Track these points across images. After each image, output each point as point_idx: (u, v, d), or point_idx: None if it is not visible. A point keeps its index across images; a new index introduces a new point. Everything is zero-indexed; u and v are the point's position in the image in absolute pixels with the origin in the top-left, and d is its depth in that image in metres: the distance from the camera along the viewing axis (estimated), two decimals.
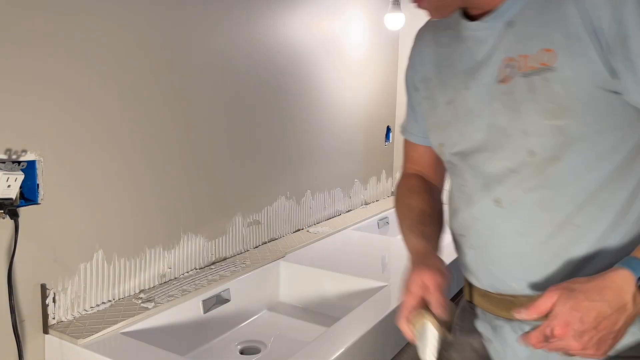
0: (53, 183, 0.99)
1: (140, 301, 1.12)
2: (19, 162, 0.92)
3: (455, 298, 1.52)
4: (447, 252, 0.88)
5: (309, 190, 1.77)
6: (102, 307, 1.09)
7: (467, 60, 0.77)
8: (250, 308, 1.32)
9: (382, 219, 2.01)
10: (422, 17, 0.79)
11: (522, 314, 0.66)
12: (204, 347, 1.17)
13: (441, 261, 0.81)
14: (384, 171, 2.29)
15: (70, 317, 1.03)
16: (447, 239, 0.89)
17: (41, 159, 0.96)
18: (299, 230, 1.72)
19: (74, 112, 1.01)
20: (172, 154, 1.23)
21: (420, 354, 0.75)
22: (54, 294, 1.00)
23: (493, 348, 0.83)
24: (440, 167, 0.93)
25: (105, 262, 1.10)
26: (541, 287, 0.72)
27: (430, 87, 0.85)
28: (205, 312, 1.19)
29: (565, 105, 0.68)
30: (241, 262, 1.40)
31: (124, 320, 1.04)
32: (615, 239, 0.71)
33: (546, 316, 0.63)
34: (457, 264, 0.88)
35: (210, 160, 1.35)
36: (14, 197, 0.90)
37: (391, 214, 2.08)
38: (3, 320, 0.92)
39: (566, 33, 0.66)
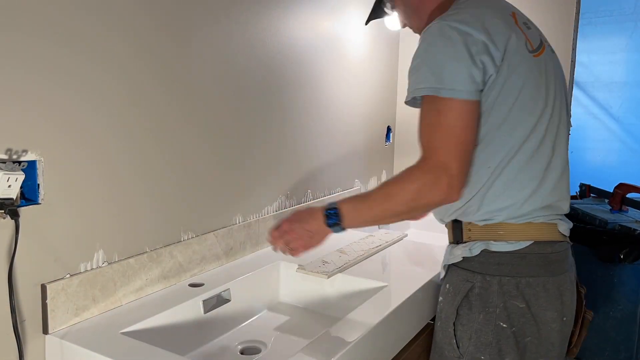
0: (54, 183, 0.99)
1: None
2: (20, 162, 0.92)
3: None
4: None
5: (309, 191, 1.77)
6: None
7: None
8: (250, 308, 1.32)
9: None
10: None
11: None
12: (204, 347, 1.17)
13: None
14: (384, 171, 2.29)
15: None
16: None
17: (42, 159, 0.96)
18: None
19: (75, 112, 1.02)
20: (173, 153, 1.23)
21: None
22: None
23: None
24: None
25: (106, 262, 1.10)
26: None
27: None
28: (205, 312, 1.19)
29: None
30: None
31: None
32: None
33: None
34: None
35: (211, 160, 1.35)
36: (14, 197, 0.90)
37: None
38: (3, 321, 0.92)
39: None
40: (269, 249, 1.54)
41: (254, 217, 1.52)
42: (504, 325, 1.05)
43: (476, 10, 1.04)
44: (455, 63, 0.98)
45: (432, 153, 0.99)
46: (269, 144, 1.56)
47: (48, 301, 0.99)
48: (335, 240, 1.61)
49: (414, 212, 1.05)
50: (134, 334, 1.02)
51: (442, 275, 1.18)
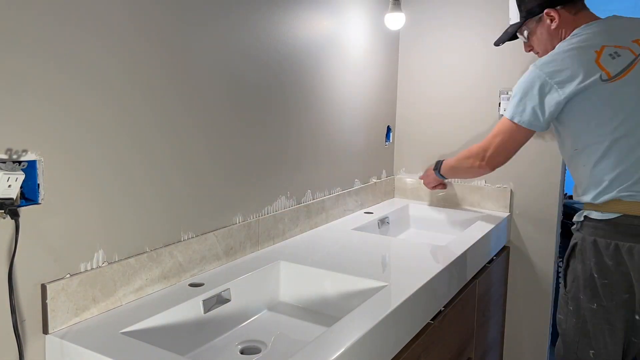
0: (54, 183, 0.99)
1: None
2: (20, 162, 0.92)
3: (457, 297, 1.52)
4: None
5: (309, 190, 1.77)
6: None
7: None
8: (250, 308, 1.32)
9: (383, 219, 2.01)
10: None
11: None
12: (204, 347, 1.17)
13: None
14: (384, 171, 2.29)
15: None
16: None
17: (42, 159, 0.96)
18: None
19: (75, 112, 1.02)
20: (172, 153, 1.24)
21: None
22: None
23: None
24: None
25: (106, 262, 1.10)
26: None
27: None
28: (205, 312, 1.19)
29: None
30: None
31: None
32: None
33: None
34: None
35: (211, 159, 1.35)
36: (14, 197, 0.90)
37: (391, 214, 2.08)
38: (3, 321, 0.92)
39: None
40: (269, 248, 1.54)
41: (254, 217, 1.52)
42: (596, 276, 1.38)
43: (565, 55, 1.41)
44: (529, 102, 1.45)
45: (487, 149, 1.60)
46: (269, 143, 1.56)
47: (48, 301, 0.99)
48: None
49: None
50: (134, 334, 1.02)
51: None
